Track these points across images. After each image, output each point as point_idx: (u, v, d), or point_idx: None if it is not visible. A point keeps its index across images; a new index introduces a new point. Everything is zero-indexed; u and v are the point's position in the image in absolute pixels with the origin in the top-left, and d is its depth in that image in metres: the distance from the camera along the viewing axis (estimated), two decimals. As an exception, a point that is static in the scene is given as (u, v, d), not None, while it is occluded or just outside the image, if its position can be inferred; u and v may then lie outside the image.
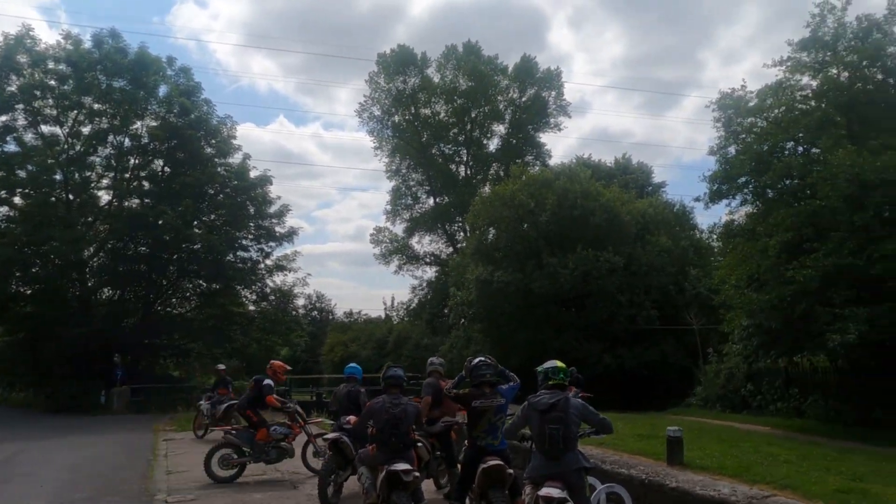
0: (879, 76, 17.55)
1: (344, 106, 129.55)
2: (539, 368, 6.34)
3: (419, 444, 8.42)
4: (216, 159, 31.86)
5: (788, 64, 18.47)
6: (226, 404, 16.64)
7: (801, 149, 18.87)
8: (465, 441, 7.53)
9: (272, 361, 12.54)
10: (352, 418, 8.97)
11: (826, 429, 16.97)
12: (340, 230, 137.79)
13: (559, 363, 6.22)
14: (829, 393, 18.81)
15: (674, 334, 30.63)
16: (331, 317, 76.26)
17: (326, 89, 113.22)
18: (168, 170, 31.65)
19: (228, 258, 31.53)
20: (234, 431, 11.50)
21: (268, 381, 11.67)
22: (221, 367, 18.93)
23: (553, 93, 51.09)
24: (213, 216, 32.16)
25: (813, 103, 18.09)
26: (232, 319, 32.68)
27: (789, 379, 20.43)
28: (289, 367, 11.78)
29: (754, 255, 18.74)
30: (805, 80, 18.55)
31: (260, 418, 11.54)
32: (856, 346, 14.88)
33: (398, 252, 53.22)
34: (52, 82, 29.13)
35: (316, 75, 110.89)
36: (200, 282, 32.98)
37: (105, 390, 26.46)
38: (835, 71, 17.51)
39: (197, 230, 30.91)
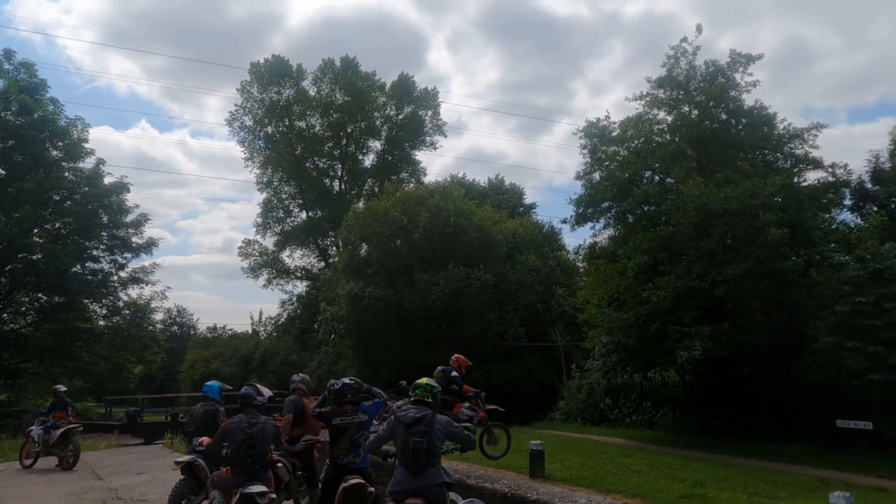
0: (724, 116, 19.44)
1: (213, 114, 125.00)
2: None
3: (278, 465, 8.19)
4: (63, 163, 29.42)
5: (647, 99, 19.97)
6: (63, 428, 15.07)
7: (657, 178, 20.31)
8: (328, 460, 7.43)
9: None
10: (205, 439, 8.55)
11: (673, 439, 18.30)
12: (206, 242, 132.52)
13: (423, 380, 6.32)
14: (677, 406, 20.27)
15: (540, 350, 31.67)
16: (192, 332, 72.77)
17: (194, 96, 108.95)
18: (3, 172, 28.49)
19: (75, 269, 29.09)
20: None
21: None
22: (61, 388, 16.68)
23: (430, 112, 51.86)
24: (57, 224, 29.55)
25: (668, 137, 19.63)
26: (76, 336, 29.92)
27: (643, 393, 21.75)
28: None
29: (615, 276, 19.83)
30: (661, 114, 20.14)
31: None
32: (700, 362, 16.12)
33: (268, 265, 51.84)
34: None
35: (183, 81, 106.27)
36: (39, 295, 30.06)
37: None
38: (687, 108, 19.14)
39: (37, 239, 28.26)
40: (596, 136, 21.30)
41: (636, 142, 20.02)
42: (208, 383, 10.07)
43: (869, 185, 24.28)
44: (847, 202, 22.51)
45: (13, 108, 27.72)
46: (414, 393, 6.21)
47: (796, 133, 19.31)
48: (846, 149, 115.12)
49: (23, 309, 30.98)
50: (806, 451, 15.00)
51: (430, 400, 6.15)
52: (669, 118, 19.80)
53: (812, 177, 19.84)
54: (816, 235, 17.34)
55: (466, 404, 10.68)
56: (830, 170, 19.67)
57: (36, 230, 28.41)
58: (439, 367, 10.88)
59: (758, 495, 9.95)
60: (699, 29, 19.52)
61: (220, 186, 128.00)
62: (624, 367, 20.43)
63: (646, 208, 19.63)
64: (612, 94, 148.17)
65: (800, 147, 19.41)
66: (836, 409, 15.60)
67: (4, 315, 30.67)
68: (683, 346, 15.94)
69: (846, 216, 22.31)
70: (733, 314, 16.88)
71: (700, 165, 18.81)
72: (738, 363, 17.59)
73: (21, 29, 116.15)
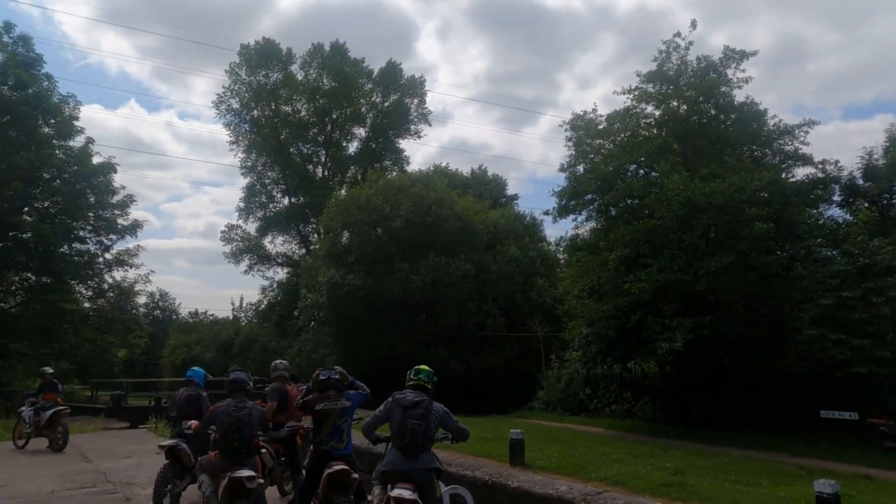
0: (713, 111, 19.49)
1: (200, 96, 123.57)
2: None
3: (263, 450, 8.17)
4: (54, 141, 29.10)
5: (636, 93, 19.99)
6: (52, 410, 15.36)
7: (641, 171, 20.39)
8: (311, 446, 7.44)
9: None
10: (193, 423, 8.50)
11: (653, 428, 18.50)
12: (189, 226, 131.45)
13: (424, 366, 6.44)
14: (656, 396, 20.48)
15: (519, 341, 31.85)
16: (174, 316, 72.35)
17: (183, 77, 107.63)
18: None
19: (62, 250, 28.92)
20: None
21: None
22: (48, 369, 17.13)
23: (416, 100, 51.78)
24: (47, 203, 29.32)
25: (655, 131, 19.71)
26: (62, 317, 29.79)
27: (623, 383, 21.93)
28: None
29: (595, 267, 19.90)
30: (649, 108, 20.18)
31: None
32: (681, 353, 16.28)
33: (249, 251, 51.51)
34: None
35: (174, 61, 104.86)
36: (28, 275, 29.93)
37: None
38: (675, 103, 19.14)
39: (27, 217, 28.03)
40: (582, 129, 21.34)
41: (622, 135, 20.05)
42: (193, 368, 10.11)
43: (860, 182, 24.60)
44: (836, 198, 22.68)
45: (10, 83, 27.51)
46: (415, 378, 6.29)
47: (787, 129, 19.35)
48: (838, 146, 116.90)
49: (13, 288, 30.65)
50: (787, 441, 15.10)
51: (429, 387, 6.27)
52: (657, 112, 19.85)
53: (801, 173, 19.92)
54: (802, 230, 17.52)
55: None
56: (820, 166, 19.70)
57: (25, 208, 28.06)
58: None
59: (739, 483, 10.03)
60: (693, 24, 19.49)
61: (205, 170, 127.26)
62: (604, 357, 20.62)
63: (629, 201, 19.71)
64: (600, 87, 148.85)
65: (790, 143, 19.48)
66: (818, 400, 15.88)
67: None
68: (664, 338, 16.09)
69: (835, 212, 22.46)
70: (715, 307, 17.08)
71: (686, 160, 18.93)
72: (718, 354, 17.80)
73: (21, 2, 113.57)
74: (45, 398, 15.70)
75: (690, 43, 19.70)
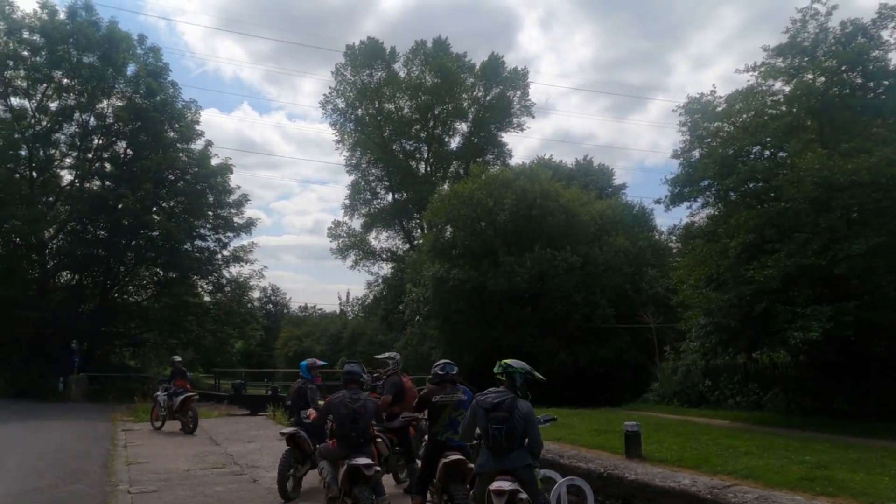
0: (859, 80, 17.71)
1: (308, 97, 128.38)
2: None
3: (378, 440, 8.47)
4: (178, 144, 31.08)
5: (762, 69, 18.73)
6: (183, 395, 16.60)
7: (767, 153, 19.26)
8: (424, 437, 7.69)
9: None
10: (311, 412, 9.10)
11: (786, 420, 17.22)
12: (297, 223, 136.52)
13: (508, 360, 6.17)
14: (789, 387, 19.21)
15: (630, 332, 31.12)
16: (285, 310, 75.40)
17: (291, 79, 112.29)
18: (130, 152, 30.78)
19: (186, 247, 30.83)
20: None
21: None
22: (177, 358, 18.63)
23: (518, 93, 51.57)
24: (172, 203, 31.45)
25: (784, 108, 18.40)
26: (187, 310, 31.96)
27: (748, 374, 20.86)
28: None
29: (714, 255, 19.02)
30: (778, 85, 18.77)
31: None
32: (818, 343, 15.27)
33: (355, 247, 52.82)
34: (26, 53, 28.14)
35: (283, 64, 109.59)
36: (157, 270, 32.13)
37: (63, 377, 25.61)
38: (810, 76, 17.77)
39: (155, 216, 30.11)
40: (698, 113, 20.42)
41: (745, 116, 18.99)
42: (301, 362, 10.79)
43: None
44: None
45: (142, 91, 29.66)
46: (497, 372, 6.13)
47: None
48: None
49: (144, 282, 33.05)
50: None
51: (503, 378, 6.02)
52: (787, 88, 18.45)
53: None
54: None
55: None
56: None
57: (154, 208, 30.09)
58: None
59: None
60: None
61: (313, 169, 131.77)
62: (725, 348, 19.69)
63: (752, 185, 18.72)
64: (718, 66, 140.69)
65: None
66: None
67: (130, 287, 33.13)
68: (797, 327, 15.13)
69: None
70: (860, 292, 15.82)
71: (822, 136, 17.59)
72: (866, 343, 16.50)
73: (149, 14, 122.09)
74: (176, 384, 16.99)
75: (834, 7, 17.99)
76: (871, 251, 14.55)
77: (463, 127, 52.52)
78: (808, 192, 15.54)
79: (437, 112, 50.89)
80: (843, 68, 17.34)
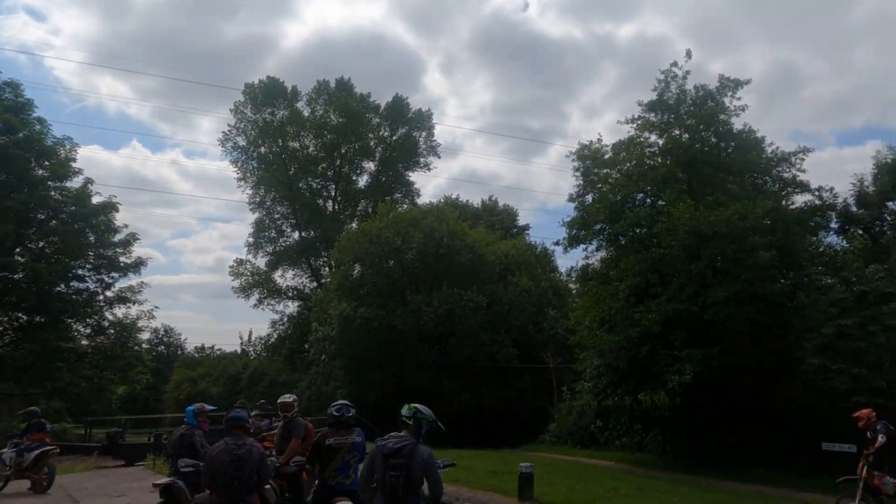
0: (713, 139, 19.55)
1: (206, 135, 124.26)
2: None
3: (267, 486, 8.02)
4: (49, 182, 29.29)
5: (639, 122, 20.09)
6: (38, 451, 14.59)
7: (648, 200, 20.33)
8: (316, 481, 7.36)
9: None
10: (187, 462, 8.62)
11: (662, 462, 18.19)
12: (197, 261, 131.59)
13: (414, 404, 5.94)
14: (666, 428, 20.14)
15: (531, 372, 31.57)
16: (180, 352, 72.23)
17: (187, 116, 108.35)
18: None
19: (59, 289, 28.85)
20: None
21: None
22: (35, 409, 16.15)
23: (424, 133, 52.11)
24: (42, 243, 29.22)
25: (659, 160, 19.72)
26: (57, 356, 29.14)
27: (634, 415, 21.62)
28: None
29: (606, 298, 19.79)
30: (653, 137, 20.25)
31: None
32: (690, 385, 16.05)
33: (259, 285, 51.43)
34: None
35: (176, 102, 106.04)
36: (19, 314, 29.50)
37: None
38: (677, 132, 19.25)
39: (19, 258, 27.97)
40: (588, 159, 21.42)
41: (628, 164, 20.10)
42: (187, 408, 9.98)
43: (854, 209, 24.41)
44: (833, 225, 22.66)
45: None
46: (403, 415, 5.87)
47: (784, 157, 19.51)
48: (833, 171, 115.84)
49: (2, 329, 30.52)
50: (792, 475, 14.93)
51: (410, 423, 5.78)
52: (661, 141, 19.92)
53: (799, 200, 20.09)
54: (804, 258, 17.51)
55: None
56: (817, 193, 19.94)
57: (18, 249, 28.12)
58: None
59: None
60: (689, 54, 19.75)
61: (214, 206, 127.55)
62: (615, 389, 20.33)
63: (637, 231, 19.63)
64: (606, 117, 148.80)
65: (787, 170, 19.69)
66: (823, 431, 15.56)
67: None
68: (674, 370, 15.90)
69: (833, 239, 22.56)
70: (723, 338, 16.88)
71: (691, 188, 18.92)
72: (727, 387, 17.53)
73: (6, 49, 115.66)
74: (30, 439, 14.89)
75: (688, 72, 19.91)
76: (730, 299, 15.61)
77: (370, 166, 52.59)
78: (682, 240, 16.47)
79: (343, 151, 50.75)
80: (701, 127, 19.05)
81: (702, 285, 16.47)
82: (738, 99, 19.57)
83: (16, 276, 27.61)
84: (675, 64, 19.89)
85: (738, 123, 19.88)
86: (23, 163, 27.73)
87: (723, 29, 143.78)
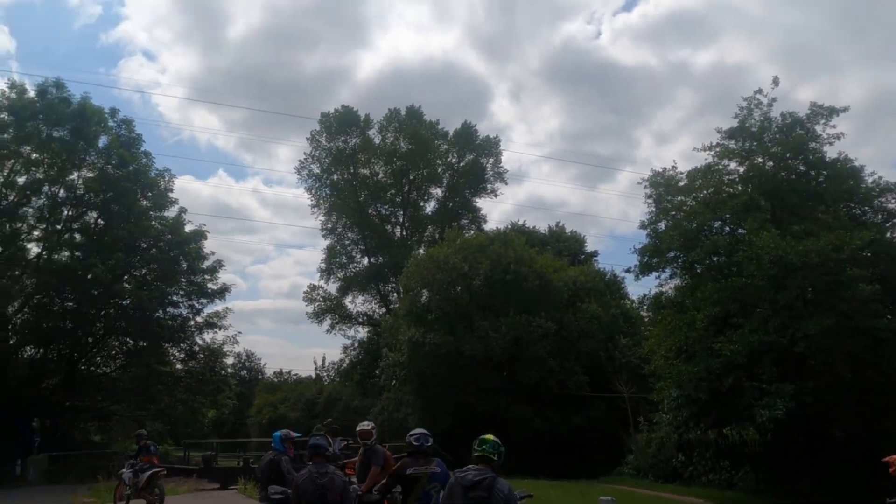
0: (802, 168, 18.86)
1: (283, 164, 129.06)
2: None
3: None
4: (151, 212, 31.08)
5: (717, 149, 19.63)
6: (150, 472, 15.74)
7: (727, 229, 19.78)
8: None
9: None
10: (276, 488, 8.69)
11: (757, 501, 17.23)
12: (273, 287, 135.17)
13: (489, 435, 5.86)
14: (759, 466, 19.22)
15: (604, 400, 30.93)
16: (260, 376, 74.08)
17: (266, 146, 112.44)
18: (102, 222, 30.63)
19: (157, 315, 30.34)
20: None
21: None
22: (143, 432, 17.60)
23: (491, 160, 52.17)
24: (144, 271, 31.13)
25: (739, 187, 19.16)
26: (157, 379, 31.15)
27: (720, 451, 20.81)
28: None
29: (682, 326, 19.27)
30: (733, 165, 19.72)
31: None
32: (782, 421, 15.37)
33: (331, 311, 52.28)
34: (-8, 131, 27.89)
35: (258, 132, 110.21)
36: (127, 339, 31.40)
37: (21, 459, 24.36)
38: (760, 159, 18.64)
39: (127, 285, 29.74)
40: (661, 186, 21.05)
41: (705, 192, 19.64)
42: (274, 433, 10.22)
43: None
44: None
45: (113, 162, 29.76)
46: (479, 449, 5.74)
47: (888, 187, 18.71)
48: None
49: (113, 353, 32.30)
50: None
51: (495, 458, 5.68)
52: (741, 169, 19.38)
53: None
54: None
55: None
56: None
57: (126, 276, 29.77)
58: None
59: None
60: (776, 81, 19.28)
61: (289, 233, 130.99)
62: (696, 422, 19.72)
63: (715, 259, 19.13)
64: (679, 143, 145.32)
65: (893, 201, 18.78)
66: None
67: (98, 359, 32.19)
68: (763, 404, 15.28)
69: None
70: (818, 372, 16.10)
71: (775, 217, 18.32)
72: (825, 424, 16.68)
73: (124, 88, 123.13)
74: (142, 460, 16.10)
75: (773, 99, 19.40)
76: (824, 332, 14.88)
77: (438, 192, 53.06)
78: (766, 269, 15.92)
79: (411, 177, 51.44)
80: (788, 155, 18.30)
81: (790, 317, 15.83)
82: (833, 127, 18.93)
83: (124, 303, 29.18)
84: (759, 91, 19.47)
85: (831, 152, 19.23)
86: (131, 195, 29.78)
87: (813, 54, 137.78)
